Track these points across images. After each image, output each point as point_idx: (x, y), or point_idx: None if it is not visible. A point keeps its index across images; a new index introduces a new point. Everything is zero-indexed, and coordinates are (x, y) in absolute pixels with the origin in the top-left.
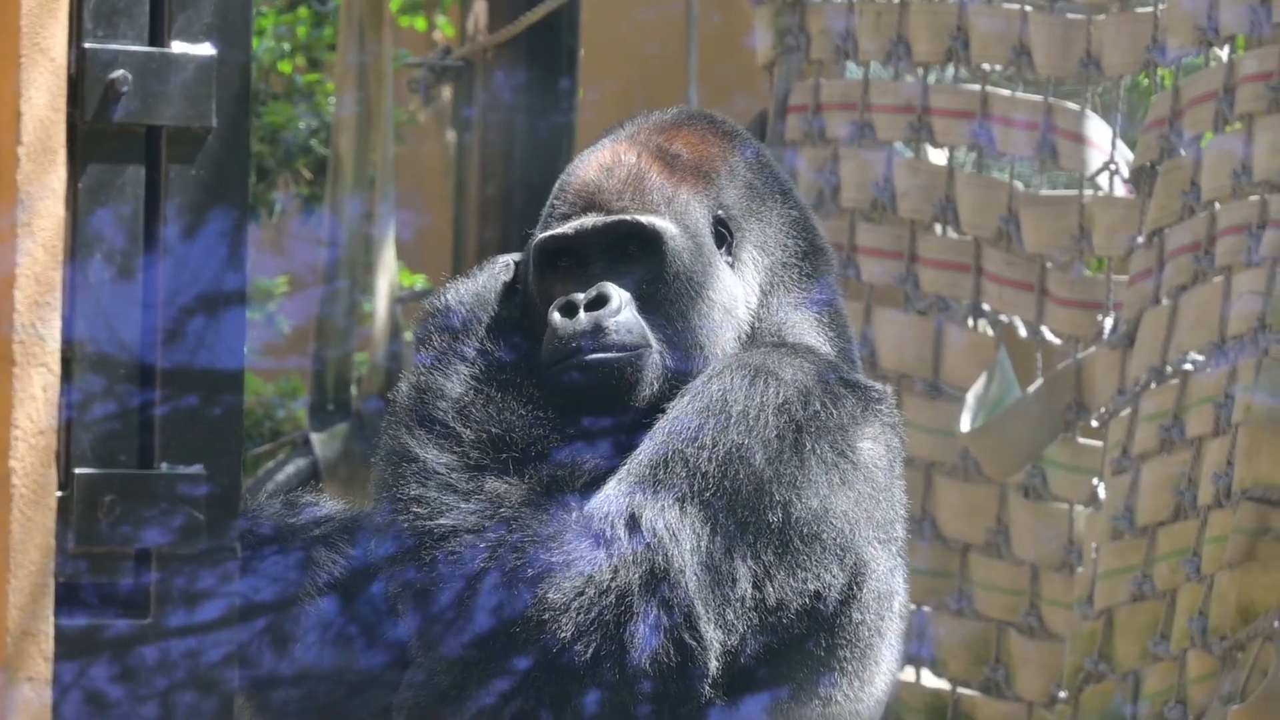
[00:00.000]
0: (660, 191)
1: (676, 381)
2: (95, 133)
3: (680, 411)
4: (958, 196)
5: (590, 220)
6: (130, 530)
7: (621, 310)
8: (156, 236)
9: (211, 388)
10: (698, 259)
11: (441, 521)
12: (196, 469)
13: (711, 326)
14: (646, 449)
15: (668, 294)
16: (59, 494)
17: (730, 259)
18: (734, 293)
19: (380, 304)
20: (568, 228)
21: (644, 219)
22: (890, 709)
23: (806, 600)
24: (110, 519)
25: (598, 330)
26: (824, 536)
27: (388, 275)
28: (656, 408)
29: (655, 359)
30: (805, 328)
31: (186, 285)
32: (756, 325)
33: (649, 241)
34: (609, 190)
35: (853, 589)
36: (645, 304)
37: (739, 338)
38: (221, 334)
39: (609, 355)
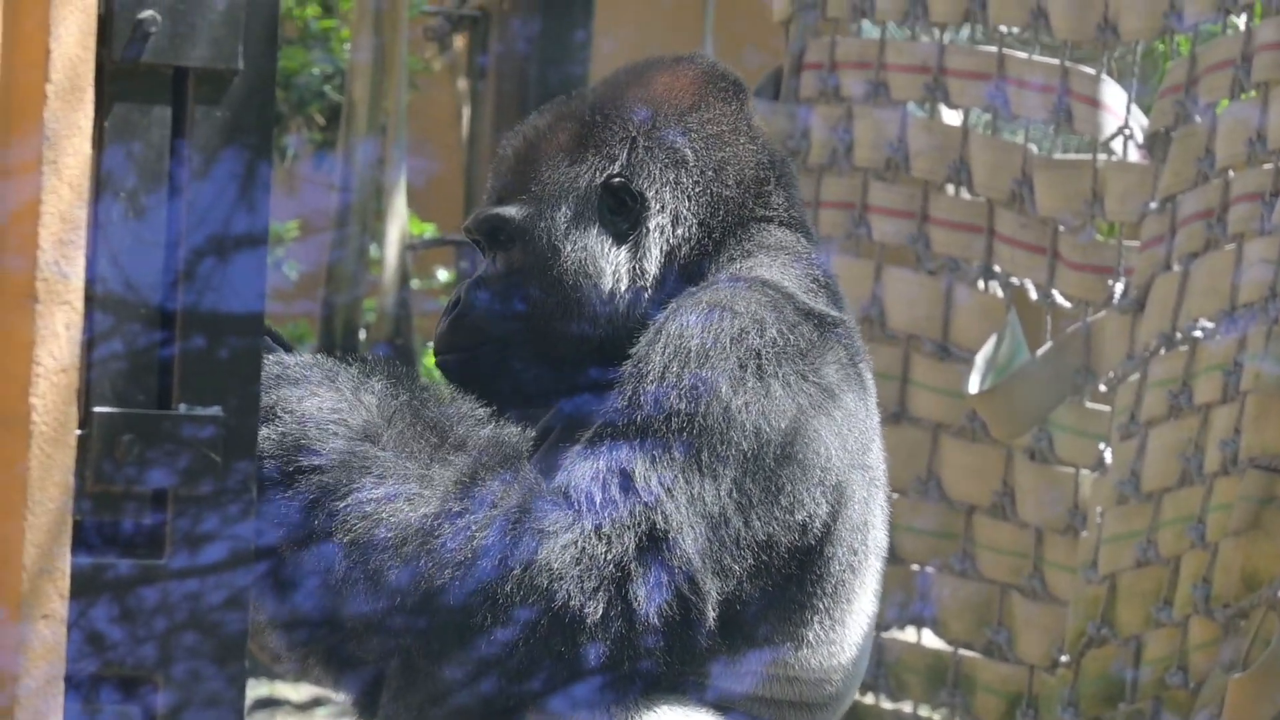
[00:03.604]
0: (534, 173)
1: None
2: (123, 72)
3: (641, 357)
4: (971, 158)
5: (472, 214)
6: (147, 470)
7: (466, 310)
8: (180, 177)
9: (231, 330)
10: (562, 237)
11: (414, 513)
12: (215, 410)
13: (574, 300)
14: (618, 399)
15: (526, 275)
16: (78, 432)
17: (627, 225)
18: (600, 266)
19: (390, 251)
20: (465, 221)
21: (497, 210)
22: (890, 669)
23: (795, 535)
24: (128, 458)
25: (444, 333)
26: (799, 458)
27: (398, 222)
28: (607, 362)
29: (498, 349)
30: (761, 269)
31: (209, 226)
32: (679, 283)
33: (505, 230)
34: (496, 178)
35: (834, 518)
36: (514, 285)
37: (624, 306)
38: (242, 276)
39: (446, 357)
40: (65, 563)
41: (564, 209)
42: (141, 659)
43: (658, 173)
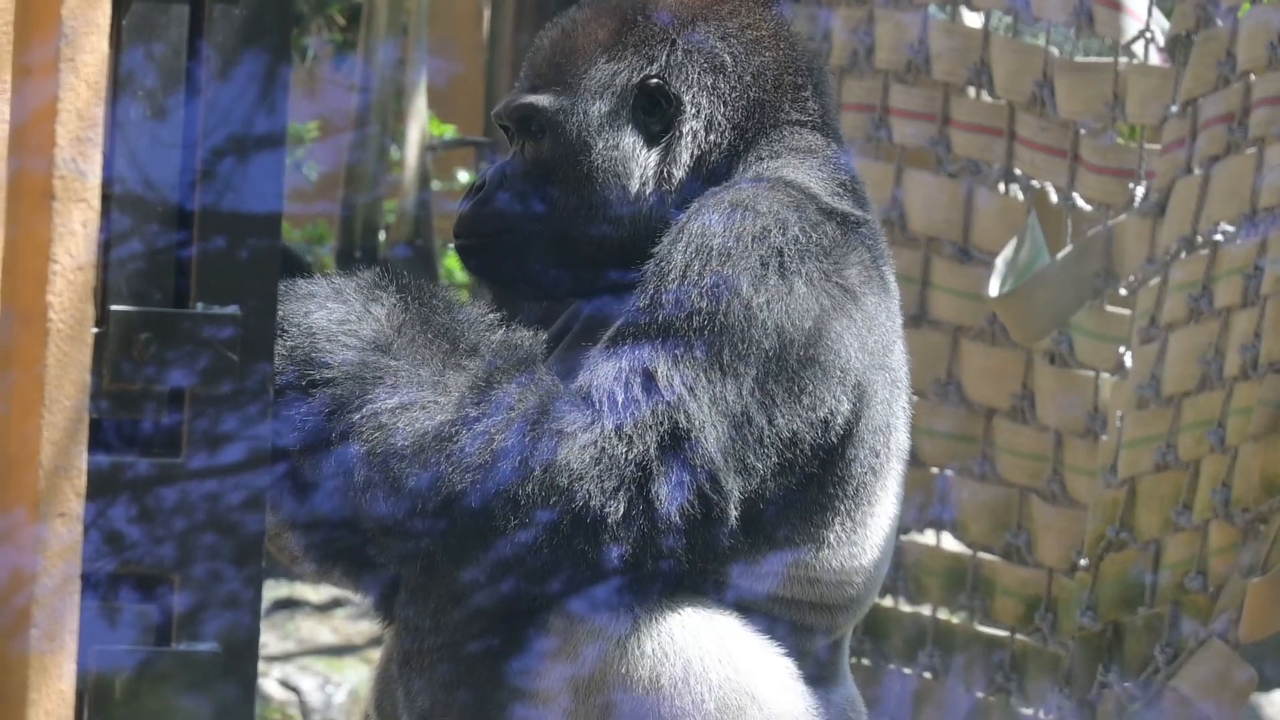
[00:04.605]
0: (571, 66)
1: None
2: None
3: (663, 256)
4: (992, 60)
5: (504, 101)
6: (165, 369)
7: (489, 196)
8: (199, 76)
9: (249, 229)
10: (594, 132)
11: (431, 421)
12: (232, 310)
13: (600, 199)
14: (640, 297)
15: (553, 168)
16: (95, 331)
17: (660, 127)
18: (629, 167)
19: (410, 152)
20: (496, 107)
21: (531, 99)
22: (909, 571)
23: (817, 432)
24: (145, 357)
25: (466, 217)
26: (821, 358)
27: (418, 123)
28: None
29: (519, 240)
30: (786, 170)
31: (227, 126)
32: (705, 185)
33: (536, 120)
34: (530, 68)
35: (856, 417)
36: (540, 177)
37: (648, 208)
38: (260, 176)
39: (466, 241)
40: (82, 461)
41: (598, 105)
42: (158, 558)
43: (695, 76)
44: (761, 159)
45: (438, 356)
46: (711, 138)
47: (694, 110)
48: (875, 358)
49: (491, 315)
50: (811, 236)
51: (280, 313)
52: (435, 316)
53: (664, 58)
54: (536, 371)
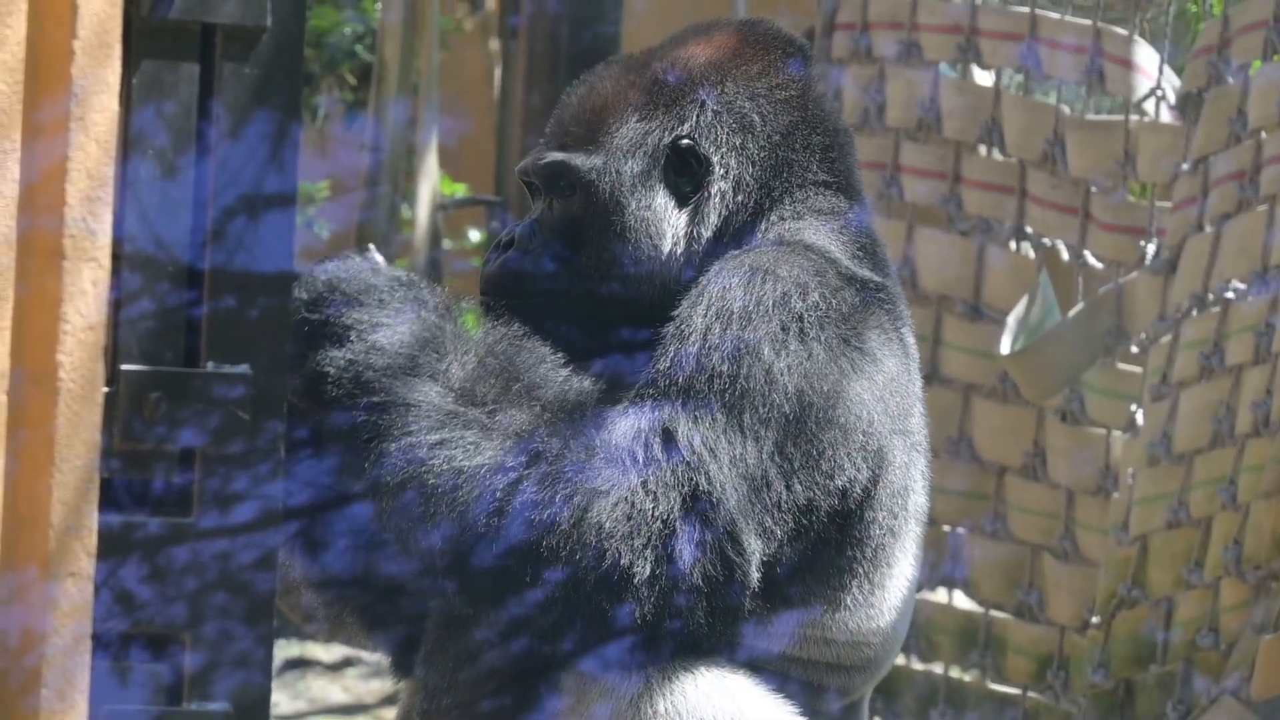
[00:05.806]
0: (603, 125)
1: (629, 304)
2: (151, 29)
3: (684, 318)
4: (1003, 118)
5: (531, 157)
6: (175, 428)
7: (517, 253)
8: (209, 135)
9: (259, 288)
10: (628, 193)
11: (468, 461)
12: (242, 369)
13: (631, 258)
14: (660, 359)
15: (584, 226)
16: (105, 390)
17: (690, 187)
18: (661, 228)
19: (421, 211)
20: (521, 163)
21: (563, 157)
22: (921, 630)
23: (835, 500)
24: (155, 416)
25: (493, 273)
26: (841, 422)
27: (429, 182)
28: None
29: (545, 296)
30: (807, 233)
31: (237, 184)
32: (729, 245)
33: (567, 178)
34: (558, 125)
35: (874, 482)
36: (571, 235)
37: (677, 269)
38: (270, 235)
39: (494, 300)
40: (93, 520)
41: (631, 164)
42: (169, 618)
43: (725, 137)
44: (784, 219)
45: (492, 393)
46: (739, 198)
47: (723, 171)
48: (895, 422)
49: (554, 357)
50: (831, 302)
51: (350, 315)
52: (496, 350)
53: (694, 117)
54: (579, 424)
